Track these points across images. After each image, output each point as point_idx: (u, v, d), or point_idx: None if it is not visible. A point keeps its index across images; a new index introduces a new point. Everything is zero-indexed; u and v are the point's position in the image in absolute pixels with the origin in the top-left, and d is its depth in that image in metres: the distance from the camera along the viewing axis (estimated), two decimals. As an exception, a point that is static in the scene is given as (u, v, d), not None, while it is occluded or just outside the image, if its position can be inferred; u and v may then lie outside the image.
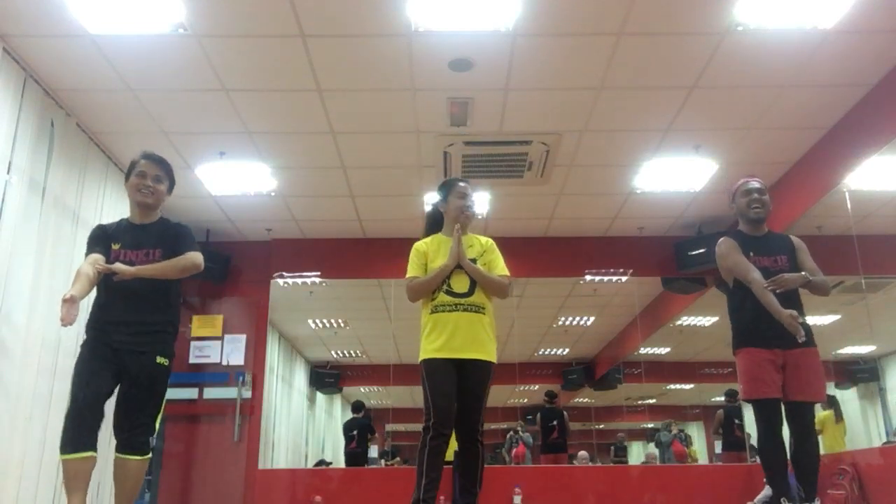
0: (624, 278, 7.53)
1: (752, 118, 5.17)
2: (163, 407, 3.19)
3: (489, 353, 3.35)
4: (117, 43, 4.23)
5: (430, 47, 4.31)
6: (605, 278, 7.56)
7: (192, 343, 7.01)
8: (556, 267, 7.49)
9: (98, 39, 4.18)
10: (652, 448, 11.41)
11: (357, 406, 9.30)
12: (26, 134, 4.36)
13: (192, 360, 6.96)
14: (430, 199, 6.37)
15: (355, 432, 9.01)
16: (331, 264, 7.34)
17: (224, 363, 6.99)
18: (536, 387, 10.91)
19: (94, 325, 3.14)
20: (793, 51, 4.37)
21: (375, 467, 9.14)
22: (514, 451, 9.96)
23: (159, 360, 3.11)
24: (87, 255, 3.21)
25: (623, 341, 9.94)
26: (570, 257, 7.42)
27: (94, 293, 3.18)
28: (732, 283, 3.63)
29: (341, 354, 10.61)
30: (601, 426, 12.62)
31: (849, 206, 5.43)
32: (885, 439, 6.96)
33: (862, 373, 7.44)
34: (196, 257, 3.20)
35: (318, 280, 7.46)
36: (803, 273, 3.49)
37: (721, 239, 3.70)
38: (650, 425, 12.09)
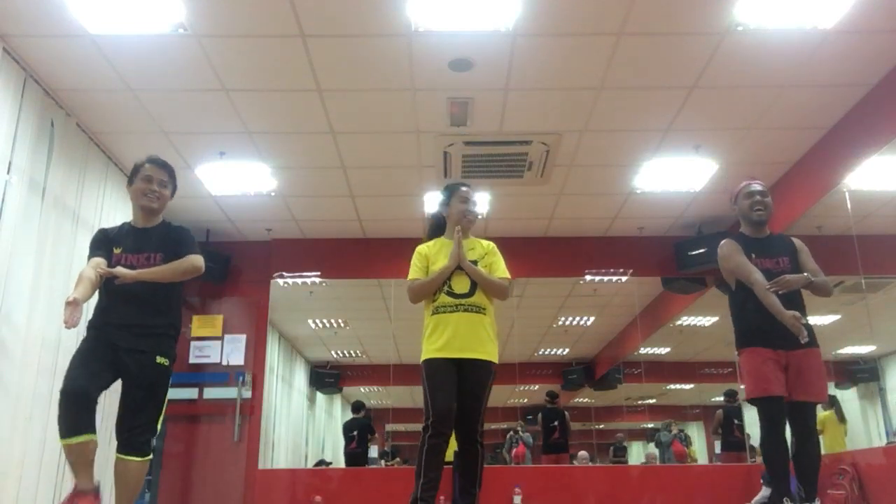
0: (624, 278, 7.53)
1: (752, 118, 5.17)
2: (164, 408, 3.18)
3: (490, 354, 3.36)
4: (117, 43, 4.23)
5: (430, 47, 4.31)
6: (605, 278, 7.56)
7: (192, 343, 7.01)
8: (556, 267, 7.49)
9: (98, 39, 4.18)
10: (652, 448, 11.40)
11: (357, 406, 9.29)
12: (26, 134, 4.36)
13: (192, 360, 6.96)
14: (431, 199, 6.39)
15: (355, 432, 9.00)
16: (331, 264, 7.34)
17: (224, 363, 6.99)
18: (536, 387, 10.91)
19: (95, 325, 3.15)
20: (793, 51, 4.37)
21: (375, 467, 9.14)
22: (514, 451, 9.95)
23: (159, 360, 3.11)
24: (89, 258, 3.23)
25: (623, 341, 9.94)
26: (570, 257, 7.42)
27: (95, 297, 3.19)
28: (735, 286, 3.64)
29: (341, 354, 10.61)
30: (601, 426, 12.61)
31: (849, 206, 5.42)
32: (885, 440, 6.96)
33: (862, 373, 7.44)
34: (196, 260, 3.21)
35: (318, 280, 7.46)
36: (805, 274, 3.50)
37: (723, 241, 3.71)
38: (650, 425, 12.08)
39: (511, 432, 10.23)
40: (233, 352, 7.04)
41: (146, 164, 3.32)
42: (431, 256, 3.53)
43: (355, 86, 4.70)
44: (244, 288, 7.30)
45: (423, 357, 3.38)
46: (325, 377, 10.70)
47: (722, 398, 8.55)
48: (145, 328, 3.12)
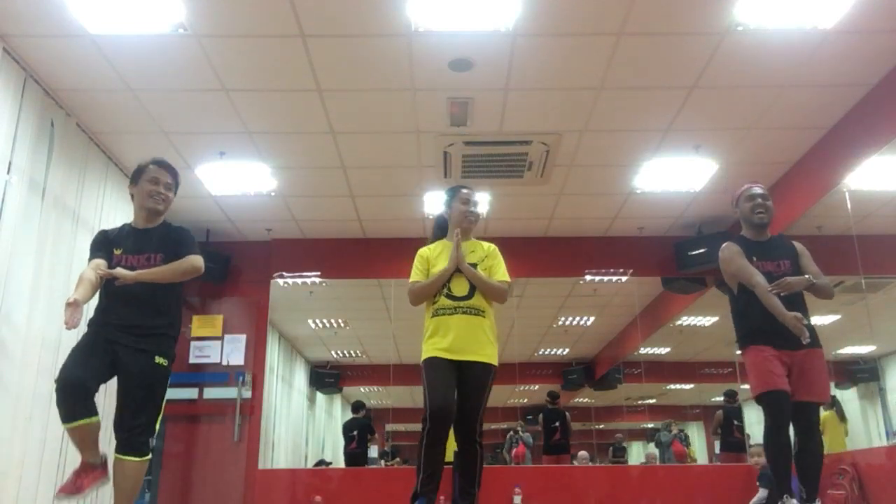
0: (624, 278, 7.53)
1: (752, 118, 5.17)
2: (163, 409, 3.19)
3: (489, 356, 3.39)
4: (117, 43, 4.23)
5: (430, 47, 4.31)
6: (605, 278, 7.56)
7: (192, 343, 7.01)
8: (556, 267, 7.49)
9: (98, 39, 4.18)
10: (652, 448, 11.40)
11: (357, 406, 9.29)
12: (26, 134, 4.36)
13: (192, 360, 6.96)
14: (431, 199, 6.39)
15: (355, 432, 9.00)
16: (331, 264, 7.34)
17: (224, 363, 6.99)
18: (536, 387, 10.92)
19: (95, 323, 3.16)
20: (793, 51, 4.37)
21: (375, 467, 9.14)
22: (514, 451, 9.96)
23: (158, 360, 3.12)
24: (89, 260, 3.24)
25: (623, 341, 9.94)
26: (570, 257, 7.42)
27: (96, 298, 3.20)
28: (737, 289, 3.65)
29: (341, 354, 10.61)
30: (601, 426, 12.62)
31: (849, 206, 5.43)
32: (885, 440, 6.97)
33: (862, 373, 7.44)
34: (196, 261, 3.22)
35: (318, 280, 7.46)
36: (807, 276, 3.52)
37: (724, 244, 3.73)
38: (650, 425, 12.09)
39: (511, 432, 10.23)
40: (233, 352, 7.04)
41: (151, 165, 3.33)
42: (432, 259, 3.56)
43: (355, 86, 4.70)
44: (244, 288, 7.30)
45: (424, 356, 3.41)
46: (325, 377, 10.70)
47: (722, 398, 8.55)
48: (145, 329, 3.12)
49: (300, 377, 10.21)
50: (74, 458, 3.17)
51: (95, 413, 3.00)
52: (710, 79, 4.65)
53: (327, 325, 9.52)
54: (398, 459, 11.10)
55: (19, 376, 4.26)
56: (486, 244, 3.65)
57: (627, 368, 10.23)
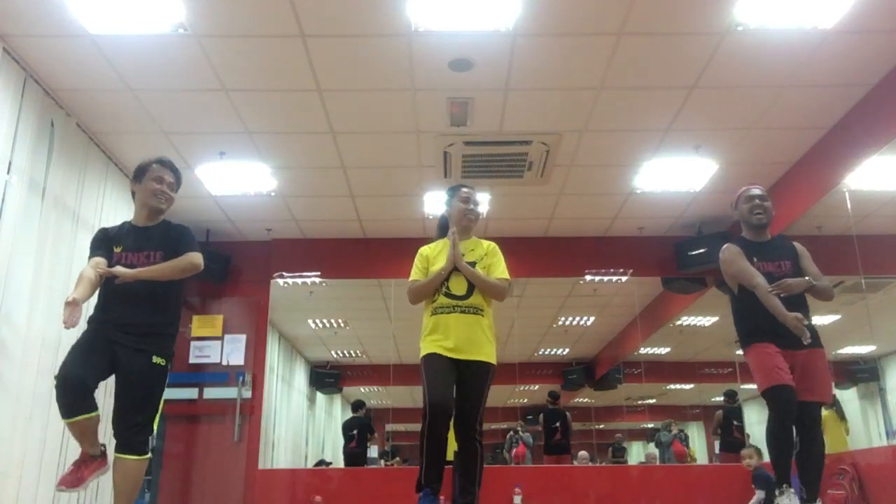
0: (624, 278, 7.53)
1: (752, 118, 5.17)
2: (161, 407, 3.20)
3: (487, 355, 3.40)
4: (117, 43, 4.23)
5: (430, 47, 4.31)
6: (605, 278, 7.56)
7: (192, 343, 7.01)
8: (556, 267, 7.49)
9: (98, 39, 4.18)
10: (652, 448, 11.40)
11: (357, 405, 9.29)
12: (26, 134, 4.36)
13: (192, 360, 6.96)
14: (431, 199, 6.39)
15: (355, 431, 9.00)
16: (331, 264, 7.34)
17: (224, 363, 6.99)
18: (536, 387, 10.92)
19: (94, 320, 3.17)
20: (793, 51, 4.37)
21: (375, 467, 9.14)
22: (514, 451, 9.96)
23: (156, 359, 3.13)
24: (89, 258, 3.25)
25: (623, 341, 9.94)
26: (570, 257, 7.42)
27: (95, 296, 3.21)
28: (737, 290, 3.66)
29: (341, 354, 10.61)
30: (601, 426, 12.62)
31: (849, 206, 5.43)
32: (885, 440, 6.97)
33: (862, 373, 7.44)
34: (195, 258, 3.22)
35: (318, 280, 7.46)
36: (807, 278, 3.53)
37: (725, 245, 3.75)
38: (650, 425, 12.09)
39: (511, 432, 10.23)
40: (233, 352, 7.04)
41: (155, 164, 3.35)
42: (432, 258, 3.57)
43: (355, 86, 4.70)
44: (244, 288, 7.30)
45: (423, 353, 3.43)
46: (325, 377, 10.70)
47: (722, 398, 8.55)
48: (144, 327, 3.13)
49: (300, 377, 10.21)
50: (74, 458, 3.18)
51: (95, 408, 3.02)
52: (710, 79, 4.64)
53: (327, 325, 9.52)
54: (398, 459, 11.10)
55: (19, 376, 4.26)
56: (486, 243, 3.66)
57: (627, 368, 10.23)
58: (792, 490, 3.38)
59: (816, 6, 3.99)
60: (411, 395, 9.11)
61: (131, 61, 4.40)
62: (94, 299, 3.21)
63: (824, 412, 6.76)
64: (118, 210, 5.49)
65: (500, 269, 3.53)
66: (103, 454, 3.19)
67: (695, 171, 5.96)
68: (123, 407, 3.09)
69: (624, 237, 7.40)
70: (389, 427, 11.76)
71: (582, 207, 6.77)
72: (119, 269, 3.11)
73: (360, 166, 5.84)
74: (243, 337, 7.10)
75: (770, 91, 4.83)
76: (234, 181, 6.03)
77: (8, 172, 4.18)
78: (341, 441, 9.38)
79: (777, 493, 3.42)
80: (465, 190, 3.68)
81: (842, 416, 7.15)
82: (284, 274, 7.32)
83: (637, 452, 13.16)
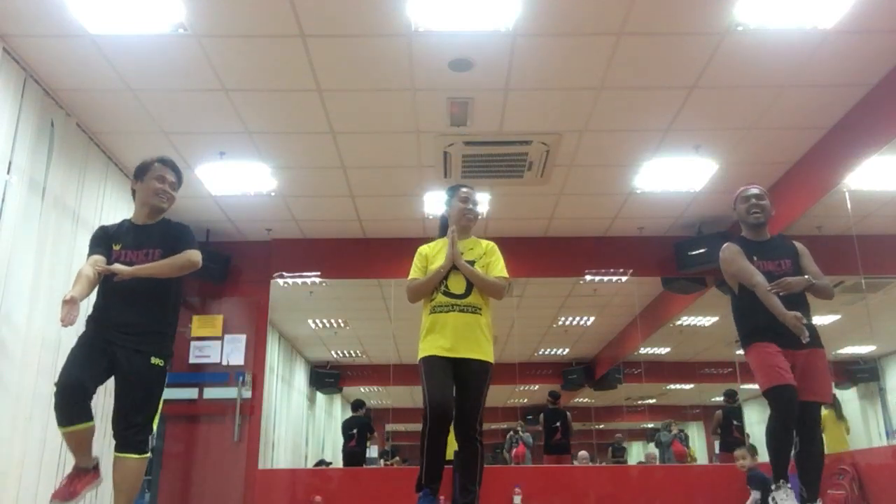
0: (624, 278, 7.53)
1: (752, 118, 5.17)
2: (160, 407, 3.20)
3: (486, 354, 3.42)
4: (117, 43, 4.23)
5: (430, 47, 4.31)
6: (605, 278, 7.56)
7: (192, 343, 7.01)
8: (556, 267, 7.49)
9: (98, 39, 4.18)
10: (652, 448, 11.40)
11: (357, 405, 9.29)
12: (26, 134, 4.36)
13: (192, 360, 6.96)
14: (431, 199, 6.39)
15: (355, 431, 9.00)
16: (331, 264, 7.34)
17: (224, 363, 6.99)
18: (536, 387, 10.92)
19: (93, 319, 3.17)
20: (793, 51, 4.37)
21: (375, 467, 9.14)
22: (514, 451, 9.95)
23: (154, 360, 3.13)
24: (88, 255, 3.25)
25: (623, 341, 9.94)
26: (570, 257, 7.42)
27: (94, 294, 3.21)
28: (738, 289, 3.67)
29: (341, 354, 10.61)
30: (601, 426, 12.62)
31: (849, 206, 5.43)
32: (885, 440, 6.97)
33: (862, 373, 7.44)
34: (193, 255, 3.23)
35: (318, 280, 7.46)
36: (806, 276, 3.54)
37: (724, 245, 3.76)
38: (650, 425, 12.08)
39: (511, 432, 10.23)
40: (233, 352, 7.04)
41: (157, 163, 3.35)
42: (431, 256, 3.59)
43: (355, 86, 4.70)
44: (244, 288, 7.30)
45: (421, 355, 3.44)
46: (325, 377, 10.70)
47: (722, 398, 8.55)
48: (141, 326, 3.13)
49: (300, 377, 10.21)
50: (73, 459, 3.18)
51: (91, 418, 3.02)
52: (710, 79, 4.64)
53: (327, 325, 9.52)
54: (398, 459, 11.10)
55: (19, 376, 4.26)
56: (485, 242, 3.68)
57: (627, 368, 10.23)
58: (789, 486, 3.39)
59: (816, 6, 3.99)
60: (411, 395, 9.11)
61: (131, 61, 4.40)
62: (92, 297, 3.21)
63: (824, 412, 6.80)
64: (118, 210, 5.48)
65: (498, 268, 3.54)
66: (96, 467, 3.20)
67: (695, 171, 5.96)
68: (123, 408, 3.08)
69: (624, 237, 7.40)
70: (389, 427, 11.76)
71: (582, 207, 6.77)
72: (117, 266, 3.11)
73: (360, 166, 5.84)
74: (243, 337, 7.10)
75: (770, 91, 4.83)
76: (234, 181, 6.03)
77: (8, 172, 4.18)
78: (341, 441, 9.38)
79: (773, 486, 3.43)
80: (464, 190, 3.70)
81: (840, 416, 7.15)
82: (284, 274, 7.32)
83: (637, 452, 13.16)
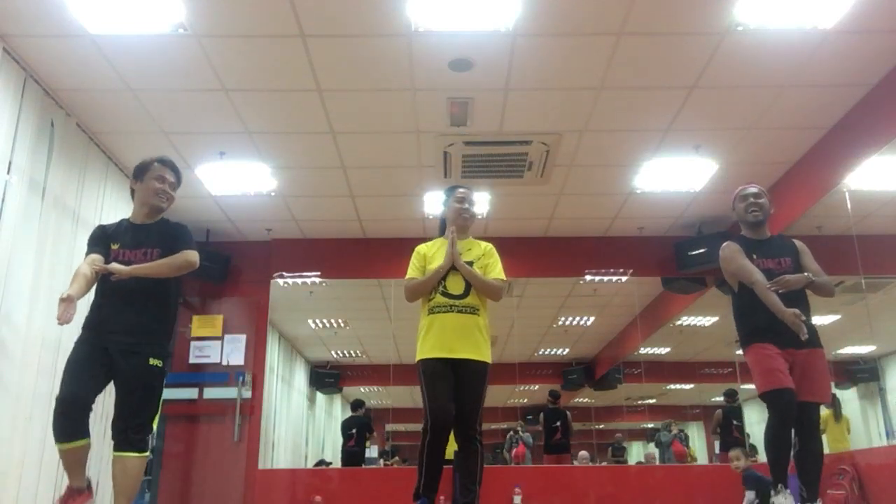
0: (624, 278, 7.53)
1: (752, 118, 5.17)
2: (160, 407, 3.21)
3: (483, 354, 3.43)
4: (117, 43, 4.23)
5: (430, 47, 4.31)
6: (605, 278, 7.56)
7: (192, 343, 7.01)
8: (556, 267, 7.49)
9: (98, 39, 4.18)
10: (652, 448, 11.40)
11: (356, 404, 9.29)
12: (26, 134, 4.36)
13: (192, 360, 6.96)
14: (431, 199, 6.39)
15: (354, 430, 9.00)
16: (331, 264, 7.34)
17: (224, 363, 6.99)
18: (536, 387, 10.92)
19: (89, 325, 3.16)
20: (793, 51, 4.37)
21: (375, 467, 9.14)
22: (514, 451, 9.95)
23: (152, 361, 3.13)
24: (86, 255, 3.25)
25: (623, 341, 9.94)
26: (570, 257, 7.42)
27: (92, 293, 3.21)
28: (738, 288, 3.67)
29: (341, 354, 10.61)
30: (601, 426, 12.62)
31: (849, 206, 5.43)
32: (885, 440, 6.97)
33: (862, 373, 7.44)
34: (190, 255, 3.23)
35: (318, 280, 7.46)
36: (806, 274, 3.54)
37: (724, 243, 3.76)
38: (650, 425, 12.09)
39: (511, 432, 10.23)
40: (233, 352, 7.04)
41: (157, 163, 3.36)
42: (429, 256, 3.59)
43: (355, 86, 4.70)
44: (244, 288, 7.30)
45: (419, 357, 3.45)
46: (325, 377, 10.70)
47: (722, 398, 8.55)
48: (139, 325, 3.13)
49: (300, 377, 10.21)
50: (67, 478, 3.16)
51: (88, 435, 3.03)
52: (710, 79, 4.64)
53: (327, 325, 9.52)
54: (397, 458, 11.10)
55: (19, 376, 4.26)
56: (483, 243, 3.68)
57: (627, 368, 10.23)
58: (788, 490, 3.38)
59: (816, 6, 3.98)
60: (411, 395, 9.11)
61: (131, 61, 4.40)
62: (90, 297, 3.21)
63: (824, 412, 6.80)
64: (118, 210, 5.48)
65: (496, 270, 3.55)
66: (89, 486, 3.19)
67: (695, 171, 5.96)
68: (123, 409, 3.09)
69: (624, 237, 7.40)
70: (389, 427, 11.76)
71: (582, 207, 6.77)
72: (115, 265, 3.11)
73: (360, 166, 5.84)
74: (243, 337, 7.10)
75: (770, 91, 4.83)
76: (234, 181, 6.03)
77: (8, 172, 4.18)
78: (341, 440, 9.39)
79: (773, 492, 3.43)
80: (460, 190, 3.71)
81: (839, 415, 7.16)
82: (284, 274, 7.32)
83: (637, 452, 13.16)
